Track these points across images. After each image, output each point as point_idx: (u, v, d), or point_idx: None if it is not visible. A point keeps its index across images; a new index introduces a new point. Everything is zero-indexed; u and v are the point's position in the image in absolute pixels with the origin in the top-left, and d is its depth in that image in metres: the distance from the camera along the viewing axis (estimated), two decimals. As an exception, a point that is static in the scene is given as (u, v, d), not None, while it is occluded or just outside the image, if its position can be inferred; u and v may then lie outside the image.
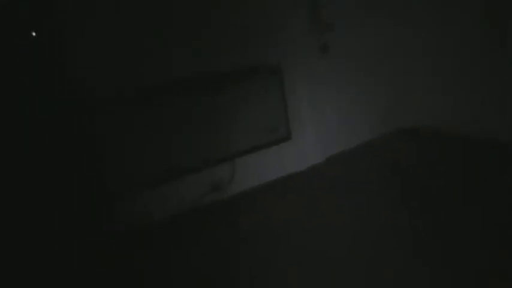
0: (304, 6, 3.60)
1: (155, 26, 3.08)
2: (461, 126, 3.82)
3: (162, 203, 3.23)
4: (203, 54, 3.28)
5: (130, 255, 2.62)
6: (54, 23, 2.63)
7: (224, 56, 3.35)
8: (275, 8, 3.49)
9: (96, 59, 2.91)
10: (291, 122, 3.65)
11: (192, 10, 3.19)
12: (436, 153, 3.70)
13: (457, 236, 2.54)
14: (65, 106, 2.56)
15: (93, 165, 2.69)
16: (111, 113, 2.95)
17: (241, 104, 3.39)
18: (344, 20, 3.76)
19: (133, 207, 3.11)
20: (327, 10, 3.67)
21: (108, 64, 2.95)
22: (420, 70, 4.05)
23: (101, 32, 2.93)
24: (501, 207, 2.74)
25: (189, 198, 3.35)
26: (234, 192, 3.51)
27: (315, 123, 3.79)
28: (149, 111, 3.07)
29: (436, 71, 3.96)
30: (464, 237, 2.52)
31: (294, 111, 3.66)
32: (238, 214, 3.18)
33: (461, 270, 2.26)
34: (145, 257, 2.70)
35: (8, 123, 2.35)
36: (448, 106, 3.91)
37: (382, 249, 2.53)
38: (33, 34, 2.59)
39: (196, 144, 3.26)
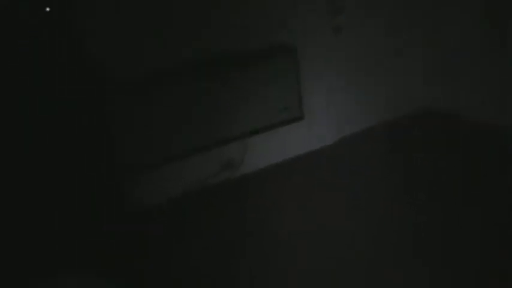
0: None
1: (165, 8, 3.06)
2: (480, 113, 3.75)
3: (171, 182, 3.29)
4: (216, 33, 3.25)
5: (131, 252, 2.68)
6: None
7: (238, 36, 3.32)
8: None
9: (107, 41, 2.92)
10: (304, 102, 3.62)
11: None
12: (451, 138, 3.66)
13: (457, 234, 2.54)
14: (77, 87, 2.58)
15: (102, 145, 2.72)
16: (121, 93, 2.97)
17: (254, 83, 3.36)
18: (358, 2, 3.66)
19: (142, 187, 3.17)
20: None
21: (120, 45, 2.96)
22: (439, 54, 3.97)
23: (108, 12, 2.92)
24: (502, 206, 2.73)
25: (199, 177, 3.39)
26: (245, 171, 3.54)
27: (328, 104, 3.76)
28: (160, 93, 3.07)
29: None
30: (465, 236, 2.52)
31: (307, 91, 3.62)
32: (245, 199, 3.21)
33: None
34: (146, 252, 2.75)
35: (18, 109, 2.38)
36: (467, 90, 3.85)
37: (381, 245, 2.55)
38: (47, 9, 2.58)
39: (207, 123, 3.27)
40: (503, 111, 3.57)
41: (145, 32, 3.04)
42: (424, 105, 4.13)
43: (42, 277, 1.94)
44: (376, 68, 3.89)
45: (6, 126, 2.32)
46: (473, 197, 2.87)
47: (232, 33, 3.31)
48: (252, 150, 3.54)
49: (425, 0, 3.87)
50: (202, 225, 2.97)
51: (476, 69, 3.73)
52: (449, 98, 3.99)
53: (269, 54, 3.38)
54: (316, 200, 3.08)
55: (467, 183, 3.02)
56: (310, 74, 3.62)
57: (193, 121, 3.21)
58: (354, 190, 3.15)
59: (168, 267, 2.61)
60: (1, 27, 2.26)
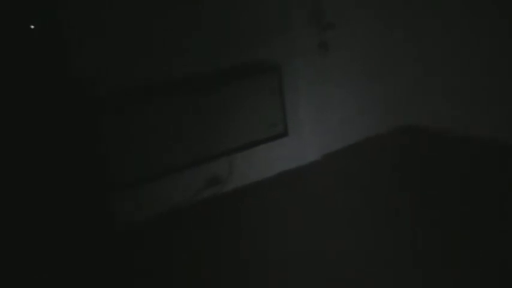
0: (304, 4, 3.59)
1: (153, 23, 3.10)
2: (463, 127, 3.81)
3: (158, 198, 3.28)
4: (201, 51, 3.29)
5: (127, 254, 2.67)
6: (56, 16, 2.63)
7: (222, 53, 3.37)
8: (274, 5, 3.49)
9: (96, 57, 2.94)
10: (289, 118, 3.66)
11: (190, 7, 3.20)
12: (435, 153, 3.72)
13: (455, 241, 2.58)
14: (67, 101, 2.58)
15: (92, 161, 2.72)
16: (110, 111, 2.98)
17: (239, 101, 3.40)
18: (344, 19, 3.75)
19: (129, 203, 3.15)
20: (328, 8, 3.66)
21: (107, 62, 2.98)
22: (420, 70, 4.04)
23: (99, 29, 2.95)
24: (490, 218, 2.77)
25: (185, 193, 3.39)
26: (230, 188, 3.54)
27: (313, 120, 3.81)
28: (147, 109, 3.09)
29: (436, 71, 3.97)
30: (459, 247, 2.55)
31: (291, 108, 3.67)
32: (231, 215, 3.21)
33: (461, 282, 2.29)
34: (137, 258, 2.74)
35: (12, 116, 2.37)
36: (449, 106, 3.92)
37: (379, 252, 2.56)
38: (32, 27, 2.59)
39: (193, 140, 3.29)
40: (490, 125, 3.63)
41: (132, 48, 3.08)
42: (408, 121, 4.20)
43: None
44: (360, 85, 3.95)
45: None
46: (461, 211, 2.89)
47: (217, 50, 3.35)
48: (237, 166, 3.55)
49: (410, 20, 3.96)
50: (189, 241, 2.96)
51: (460, 84, 3.79)
52: (433, 113, 4.05)
53: (254, 71, 3.43)
54: (300, 216, 3.09)
55: (455, 196, 3.06)
56: (295, 91, 3.67)
57: (179, 138, 3.22)
58: (338, 207, 3.16)
59: (154, 283, 2.58)
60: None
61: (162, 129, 3.15)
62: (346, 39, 3.81)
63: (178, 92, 3.19)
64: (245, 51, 3.44)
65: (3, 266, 2.25)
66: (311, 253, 2.65)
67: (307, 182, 3.56)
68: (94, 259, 2.49)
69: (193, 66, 3.29)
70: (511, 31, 3.46)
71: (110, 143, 2.97)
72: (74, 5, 2.85)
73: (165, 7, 3.13)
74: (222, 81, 3.31)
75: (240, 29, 3.39)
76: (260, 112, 3.48)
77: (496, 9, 3.48)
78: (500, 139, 3.59)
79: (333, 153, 3.92)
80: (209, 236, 2.97)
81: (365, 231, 2.79)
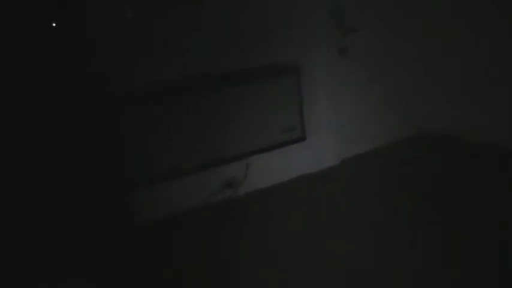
0: (323, 6, 3.57)
1: (167, 23, 3.10)
2: (485, 135, 3.77)
3: (173, 199, 3.27)
4: (221, 52, 3.28)
5: (129, 267, 2.66)
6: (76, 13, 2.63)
7: (242, 54, 3.35)
8: (294, 7, 3.47)
9: (109, 56, 2.94)
10: (307, 122, 3.63)
11: (211, 8, 3.20)
12: (453, 162, 3.67)
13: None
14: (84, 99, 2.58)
15: (109, 159, 2.71)
16: (127, 110, 2.98)
17: (257, 103, 3.38)
18: (365, 24, 3.72)
19: (144, 202, 3.14)
20: (349, 12, 3.63)
21: (121, 62, 2.98)
22: (439, 77, 4.01)
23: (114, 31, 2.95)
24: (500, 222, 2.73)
25: (201, 195, 3.37)
26: (246, 191, 3.52)
27: (331, 125, 3.77)
28: (164, 109, 3.08)
29: (456, 78, 3.93)
30: (462, 243, 2.53)
31: (310, 112, 3.64)
32: (246, 218, 3.19)
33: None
34: (144, 267, 2.74)
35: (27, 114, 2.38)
36: (470, 114, 3.88)
37: (384, 266, 2.52)
38: (53, 25, 2.60)
39: (210, 142, 3.27)
40: (490, 125, 3.63)
41: (148, 48, 3.07)
42: (428, 127, 4.15)
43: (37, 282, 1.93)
44: (379, 90, 3.91)
45: (11, 137, 2.32)
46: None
47: (237, 52, 3.34)
48: (253, 170, 3.53)
49: (430, 29, 3.96)
50: (203, 243, 2.94)
51: (477, 92, 3.78)
52: (451, 120, 4.01)
53: (273, 74, 3.41)
54: (317, 220, 3.06)
55: (468, 203, 3.02)
56: (314, 95, 3.64)
57: (196, 139, 3.21)
58: (355, 211, 3.12)
59: (165, 284, 2.57)
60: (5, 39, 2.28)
61: (178, 129, 3.13)
62: (367, 45, 3.78)
63: (195, 92, 3.18)
64: (265, 53, 3.42)
65: (18, 261, 2.26)
66: (314, 254, 2.66)
67: (324, 187, 3.52)
68: (104, 253, 2.48)
69: (210, 67, 3.27)
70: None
71: (126, 140, 2.96)
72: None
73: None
74: (240, 83, 3.30)
75: (260, 31, 3.38)
76: (278, 115, 3.45)
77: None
78: (500, 139, 3.59)
79: (350, 158, 3.88)
80: (218, 239, 2.95)
81: (371, 233, 2.78)
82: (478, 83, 3.77)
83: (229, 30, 3.28)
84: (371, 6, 3.78)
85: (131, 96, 3.04)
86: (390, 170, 3.64)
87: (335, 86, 3.72)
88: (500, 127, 3.61)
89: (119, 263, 2.52)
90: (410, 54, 4.00)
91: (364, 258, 2.57)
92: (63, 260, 2.32)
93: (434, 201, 3.08)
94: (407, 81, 4.02)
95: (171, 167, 3.14)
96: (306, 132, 3.61)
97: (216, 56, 3.27)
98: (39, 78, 2.44)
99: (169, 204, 3.25)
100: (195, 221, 3.20)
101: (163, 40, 3.11)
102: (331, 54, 3.67)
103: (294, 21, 3.48)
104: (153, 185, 3.14)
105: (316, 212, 3.16)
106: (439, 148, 3.93)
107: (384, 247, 2.64)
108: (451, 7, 3.81)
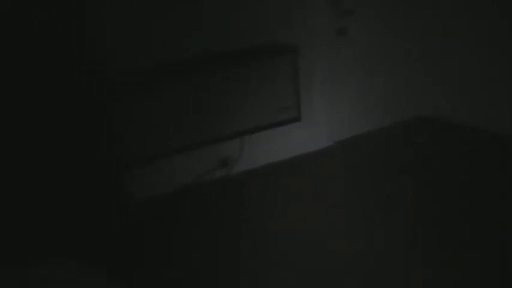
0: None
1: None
2: (478, 121, 3.81)
3: (168, 176, 3.28)
4: (217, 31, 3.26)
5: (125, 246, 2.66)
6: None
7: (239, 34, 3.32)
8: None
9: (106, 37, 2.91)
10: (302, 103, 3.63)
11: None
12: (447, 146, 3.69)
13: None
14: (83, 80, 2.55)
15: (104, 139, 2.70)
16: (124, 88, 2.96)
17: (253, 82, 3.36)
18: (364, 6, 3.69)
19: (138, 181, 3.15)
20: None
21: (123, 41, 2.96)
22: (439, 60, 4.00)
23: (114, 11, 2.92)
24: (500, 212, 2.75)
25: (195, 173, 3.39)
26: (241, 170, 3.53)
27: (327, 106, 3.78)
28: (160, 88, 3.06)
29: (454, 63, 3.93)
30: (467, 244, 2.53)
31: (306, 93, 3.63)
32: (241, 197, 3.20)
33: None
34: (140, 246, 2.74)
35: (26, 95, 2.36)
36: (464, 98, 3.90)
37: (377, 247, 2.55)
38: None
39: (203, 120, 3.27)
40: (502, 118, 3.62)
41: (144, 28, 3.04)
42: (423, 111, 4.16)
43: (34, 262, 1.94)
44: (376, 72, 3.91)
45: (6, 123, 2.30)
46: (471, 202, 2.89)
47: (233, 31, 3.31)
48: (248, 149, 3.54)
49: (431, 10, 3.93)
50: (197, 222, 2.96)
51: (474, 76, 3.79)
52: (447, 104, 4.03)
53: (269, 54, 3.39)
54: (310, 200, 3.08)
55: (465, 188, 3.05)
56: (310, 75, 3.63)
57: (191, 118, 3.20)
58: (349, 193, 3.15)
59: (161, 262, 2.59)
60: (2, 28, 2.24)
61: (174, 109, 3.12)
62: (366, 27, 3.75)
63: (191, 72, 3.16)
64: (262, 33, 3.40)
65: (18, 245, 2.27)
66: (309, 244, 2.65)
67: (317, 168, 3.53)
68: (99, 233, 2.49)
69: (208, 46, 3.25)
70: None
71: (120, 119, 2.95)
72: None
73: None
74: (237, 62, 3.27)
75: (257, 10, 3.34)
76: (274, 95, 3.44)
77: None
78: (500, 136, 3.61)
79: (345, 140, 3.89)
80: (211, 220, 2.97)
81: (363, 230, 2.76)
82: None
83: (225, 10, 3.24)
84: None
85: (123, 77, 3.02)
86: (387, 153, 3.66)
87: (332, 67, 3.71)
88: (501, 128, 3.64)
89: (112, 243, 2.53)
90: (413, 38, 3.99)
91: (358, 241, 2.61)
92: (64, 244, 2.34)
93: (430, 186, 3.11)
94: (404, 67, 4.01)
95: (164, 146, 3.14)
96: (301, 112, 3.61)
97: (211, 35, 3.24)
98: (28, 64, 2.40)
99: (165, 183, 3.26)
100: (189, 200, 3.21)
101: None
102: (330, 35, 3.64)
103: (292, 1, 3.44)
104: (148, 163, 3.14)
105: (310, 192, 3.18)
106: (434, 132, 3.95)
107: (379, 235, 2.67)
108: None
